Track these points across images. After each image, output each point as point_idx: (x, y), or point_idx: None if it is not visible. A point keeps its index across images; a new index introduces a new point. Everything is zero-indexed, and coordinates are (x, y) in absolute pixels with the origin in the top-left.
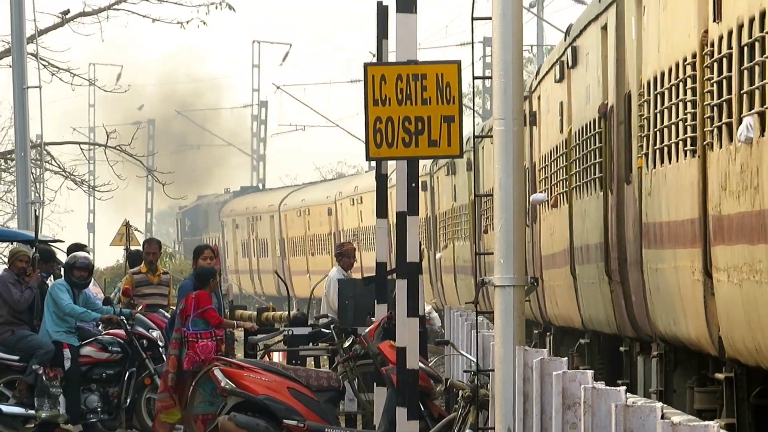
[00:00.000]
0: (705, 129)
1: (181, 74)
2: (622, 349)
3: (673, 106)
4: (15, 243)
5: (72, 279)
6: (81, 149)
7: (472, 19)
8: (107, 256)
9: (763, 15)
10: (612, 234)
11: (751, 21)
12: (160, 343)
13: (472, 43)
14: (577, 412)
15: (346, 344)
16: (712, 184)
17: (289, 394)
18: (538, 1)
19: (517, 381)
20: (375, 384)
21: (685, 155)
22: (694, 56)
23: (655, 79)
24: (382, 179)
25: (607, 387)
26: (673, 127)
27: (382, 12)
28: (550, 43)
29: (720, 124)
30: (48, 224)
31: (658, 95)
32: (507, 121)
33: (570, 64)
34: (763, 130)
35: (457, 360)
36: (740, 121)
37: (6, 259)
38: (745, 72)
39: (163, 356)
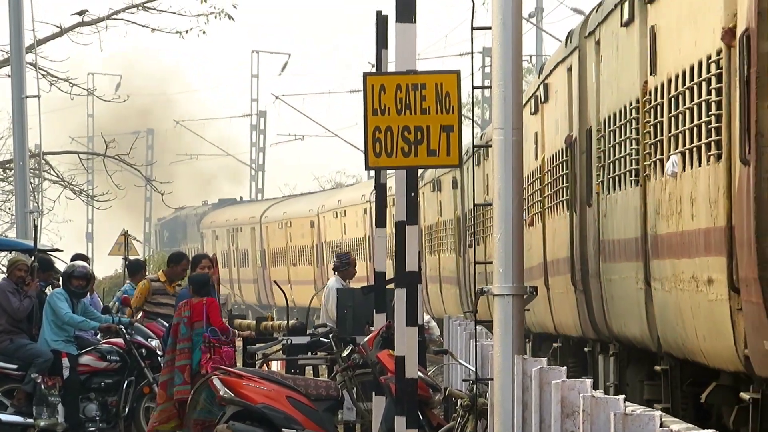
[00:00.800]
0: (645, 163)
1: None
2: (586, 349)
3: (622, 142)
4: (14, 252)
5: (70, 288)
6: (80, 159)
7: (472, 29)
8: (106, 265)
9: (684, 73)
10: (576, 249)
11: (677, 77)
12: (159, 352)
13: (472, 53)
14: (576, 420)
15: (345, 353)
16: (650, 209)
17: (287, 402)
18: (537, 11)
19: (516, 390)
20: (374, 393)
21: (631, 184)
22: (637, 102)
23: (609, 117)
24: (381, 189)
25: (606, 396)
26: (622, 159)
27: (381, 22)
28: (550, 54)
29: (655, 159)
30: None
31: (611, 132)
32: (506, 131)
33: (542, 99)
34: (684, 167)
35: (455, 369)
36: (668, 158)
37: (5, 268)
38: (672, 118)
39: (162, 365)
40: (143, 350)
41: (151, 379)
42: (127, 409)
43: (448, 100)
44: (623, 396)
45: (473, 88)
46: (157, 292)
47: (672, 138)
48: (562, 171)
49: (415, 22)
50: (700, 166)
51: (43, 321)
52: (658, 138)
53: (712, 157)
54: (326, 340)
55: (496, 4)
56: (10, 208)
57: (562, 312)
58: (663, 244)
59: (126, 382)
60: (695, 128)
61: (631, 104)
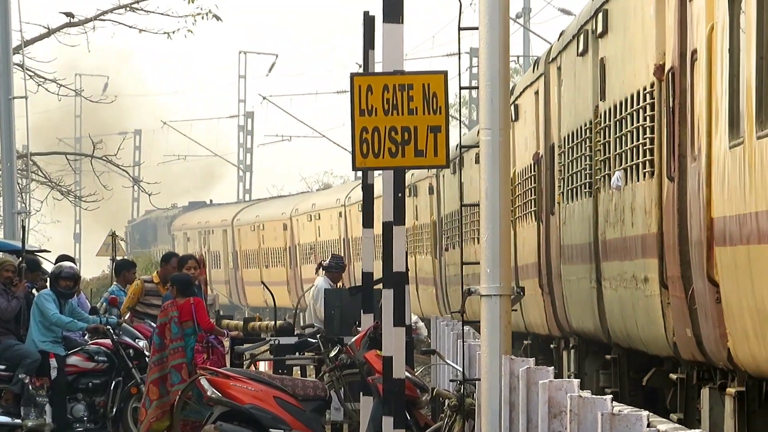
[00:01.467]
0: (596, 177)
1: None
2: (552, 346)
3: (578, 158)
4: (1, 253)
5: (58, 289)
6: (67, 159)
7: (459, 29)
8: (93, 266)
9: (626, 100)
10: (542, 255)
11: (621, 103)
12: (147, 353)
13: (459, 53)
14: (564, 420)
15: (333, 353)
16: (600, 218)
17: (275, 403)
18: (524, 11)
19: (503, 390)
20: (361, 393)
21: (585, 195)
22: (590, 123)
23: (568, 136)
24: (368, 189)
25: (594, 396)
26: (578, 174)
27: (368, 22)
28: (537, 54)
29: (604, 174)
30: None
31: (570, 149)
32: (493, 131)
33: (513, 117)
34: (626, 181)
35: (443, 369)
36: (614, 174)
37: None
38: (617, 139)
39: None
40: (131, 351)
41: (138, 380)
42: (114, 410)
43: (436, 101)
44: (611, 396)
45: (460, 88)
46: (150, 293)
47: (617, 156)
48: (531, 184)
49: (402, 22)
50: (638, 181)
51: (31, 322)
52: (606, 156)
53: (647, 173)
54: (314, 341)
55: (483, 5)
56: None
57: (531, 312)
58: (610, 248)
59: (113, 382)
60: (634, 149)
61: (585, 125)
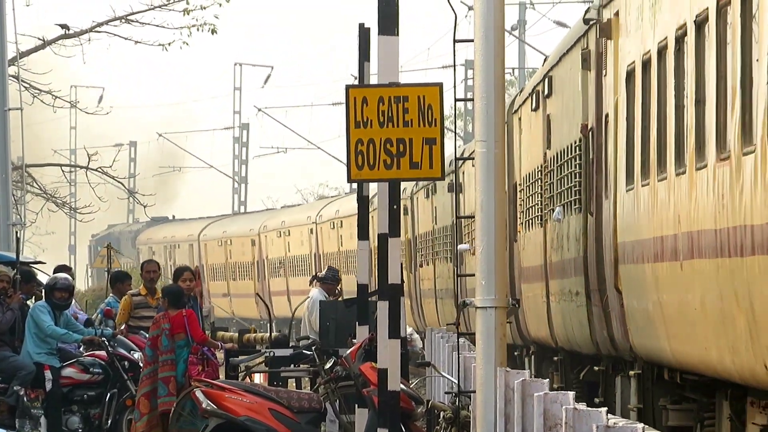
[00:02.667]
0: (545, 211)
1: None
2: (516, 353)
3: (532, 195)
4: None
5: (53, 300)
6: (62, 171)
7: (454, 41)
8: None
9: (563, 150)
10: (507, 274)
11: (560, 152)
12: (141, 365)
13: (454, 65)
14: None
15: (328, 366)
16: (548, 244)
17: (270, 415)
18: (519, 24)
19: (499, 402)
20: (356, 405)
21: (537, 225)
22: (540, 167)
23: (527, 176)
24: (363, 201)
25: (589, 408)
26: (533, 208)
27: (364, 34)
28: (532, 66)
29: (549, 209)
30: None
31: (527, 187)
32: (489, 143)
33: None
34: (564, 215)
35: (438, 381)
36: (555, 209)
37: None
38: (558, 180)
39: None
40: (126, 363)
41: (133, 392)
42: (109, 422)
43: (431, 113)
44: (605, 408)
45: (456, 100)
46: (139, 306)
47: (558, 194)
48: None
49: (397, 34)
50: (571, 215)
51: (26, 333)
52: (551, 194)
53: (576, 209)
54: (309, 353)
55: (479, 17)
56: None
57: None
58: (554, 269)
59: (108, 394)
60: (568, 189)
61: (537, 168)
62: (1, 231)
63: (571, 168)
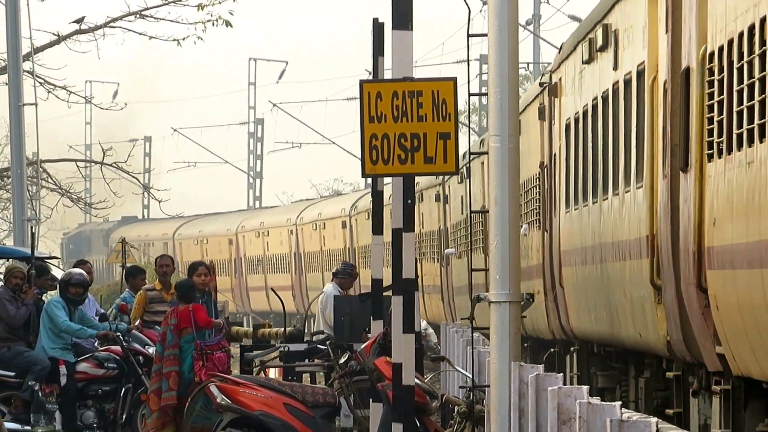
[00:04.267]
0: (528, 221)
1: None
2: None
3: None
4: (11, 260)
5: (67, 296)
6: (77, 166)
7: (468, 36)
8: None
9: (528, 180)
10: (469, 278)
11: (527, 181)
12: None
13: (468, 60)
14: (573, 427)
15: (342, 360)
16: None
17: (285, 410)
18: (534, 18)
19: (513, 397)
20: (371, 400)
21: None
22: (536, 177)
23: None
24: (378, 196)
25: (603, 402)
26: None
27: (378, 29)
28: (546, 61)
29: (521, 225)
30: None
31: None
32: (503, 138)
33: (466, 176)
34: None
35: (452, 376)
36: (523, 226)
37: (2, 276)
38: (523, 204)
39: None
40: (140, 358)
41: (148, 387)
42: (124, 417)
43: (445, 108)
44: (619, 402)
45: (470, 95)
46: (154, 301)
47: (524, 215)
48: (481, 226)
49: (411, 29)
50: (534, 231)
51: (41, 329)
52: (521, 213)
53: (537, 227)
54: (323, 347)
55: (493, 12)
56: (7, 216)
57: (481, 322)
58: (523, 273)
59: (123, 389)
60: (531, 211)
61: (532, 178)
62: (17, 226)
63: (533, 195)
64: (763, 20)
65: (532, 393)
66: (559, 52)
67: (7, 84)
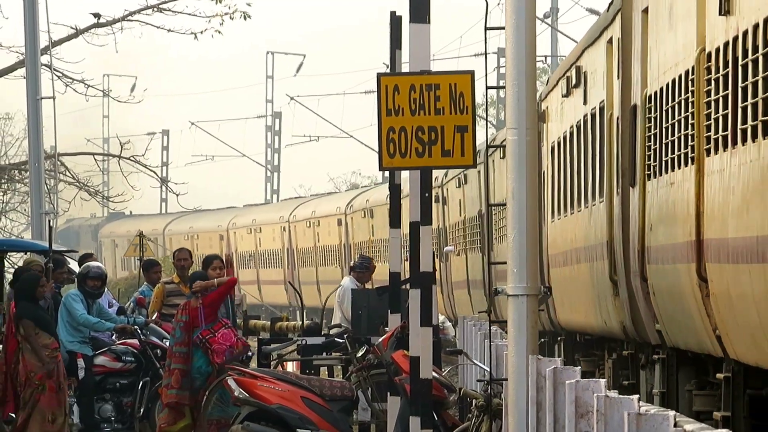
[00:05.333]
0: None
1: (195, 85)
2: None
3: (502, 219)
4: (29, 253)
5: (85, 289)
6: (95, 160)
7: (486, 29)
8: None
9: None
10: (481, 272)
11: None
12: None
13: (486, 53)
14: (590, 420)
15: (360, 354)
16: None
17: (302, 403)
18: (552, 11)
19: (531, 390)
20: (388, 393)
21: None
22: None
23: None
24: (395, 189)
25: (621, 396)
26: (503, 228)
27: (395, 22)
28: (564, 54)
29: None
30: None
31: (497, 213)
32: (520, 131)
33: (464, 182)
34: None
35: (470, 369)
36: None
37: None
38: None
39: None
40: (158, 351)
41: None
42: (142, 410)
43: (462, 101)
44: (637, 396)
45: (487, 88)
46: (172, 294)
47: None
48: (477, 228)
49: (429, 22)
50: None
51: (59, 322)
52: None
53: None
54: (341, 341)
55: (510, 5)
56: (25, 210)
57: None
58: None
59: (141, 382)
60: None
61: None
62: (34, 220)
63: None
64: (680, 77)
65: (549, 386)
66: (547, 84)
67: (25, 77)
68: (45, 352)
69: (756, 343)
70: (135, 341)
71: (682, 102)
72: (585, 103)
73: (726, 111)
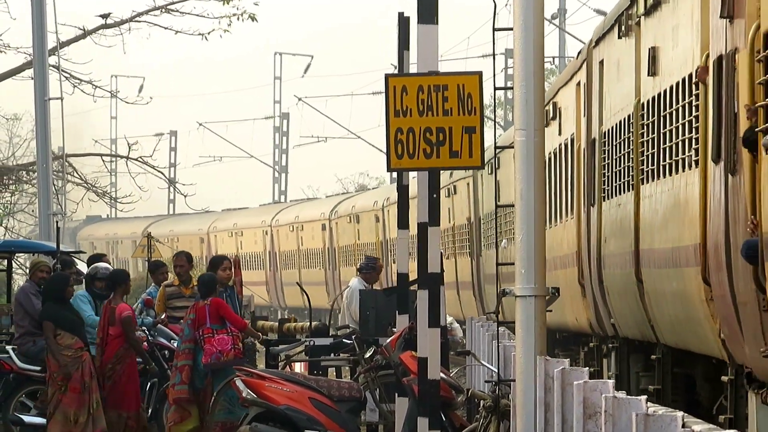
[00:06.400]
0: (499, 240)
1: (203, 86)
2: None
3: (490, 228)
4: (37, 254)
5: (94, 290)
6: (103, 161)
7: (494, 30)
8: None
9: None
10: (472, 276)
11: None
12: None
13: (494, 54)
14: (598, 421)
15: (368, 354)
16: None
17: (310, 404)
18: (560, 12)
19: (539, 391)
20: (396, 394)
21: (493, 248)
22: (491, 213)
23: (487, 215)
24: (403, 190)
25: (628, 396)
26: (491, 236)
27: (403, 23)
28: (571, 55)
29: (502, 239)
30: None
31: (485, 223)
32: (528, 132)
33: (453, 192)
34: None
35: (478, 370)
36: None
37: (27, 271)
38: (505, 223)
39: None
40: (166, 352)
41: None
42: (150, 411)
43: (470, 102)
44: (645, 397)
45: (495, 89)
46: (173, 296)
47: (505, 232)
48: (466, 235)
49: (437, 23)
50: (512, 246)
51: None
52: (501, 230)
53: (514, 243)
54: (349, 342)
55: (518, 6)
56: (33, 211)
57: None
58: (508, 278)
59: (149, 383)
60: (509, 230)
61: (490, 213)
62: (42, 221)
63: (512, 217)
64: (623, 120)
65: (557, 387)
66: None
67: (33, 78)
68: (68, 353)
69: (675, 330)
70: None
71: (625, 140)
72: (560, 134)
73: (653, 150)
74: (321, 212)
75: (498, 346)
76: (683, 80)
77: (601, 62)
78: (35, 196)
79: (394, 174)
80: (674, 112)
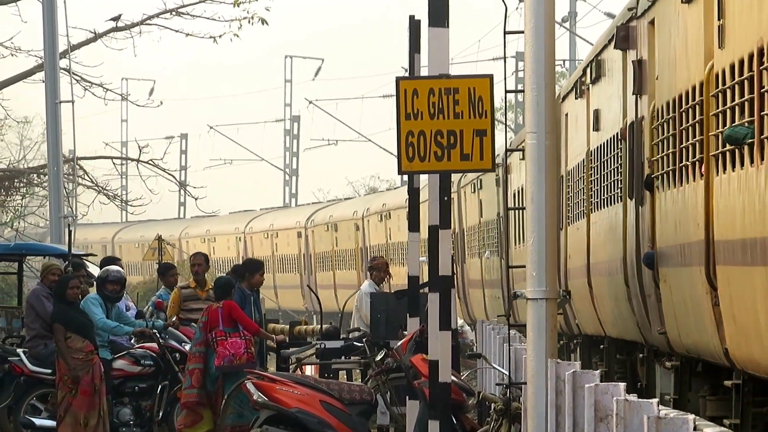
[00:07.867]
0: (481, 251)
1: (213, 89)
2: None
3: (474, 240)
4: (48, 257)
5: (105, 293)
6: (113, 164)
7: (505, 33)
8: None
9: (490, 221)
10: (459, 281)
11: (489, 221)
12: None
13: (505, 57)
14: (610, 424)
15: (379, 357)
16: (483, 270)
17: (321, 407)
18: (570, 15)
19: (550, 394)
20: (407, 397)
21: (477, 257)
22: (476, 227)
23: (472, 226)
24: (414, 193)
25: (640, 399)
26: (474, 247)
27: (414, 26)
28: (582, 58)
29: (484, 250)
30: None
31: (473, 234)
32: (539, 135)
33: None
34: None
35: (489, 373)
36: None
37: (39, 273)
38: (488, 236)
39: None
40: (177, 354)
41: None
42: (161, 414)
43: (481, 105)
44: (656, 399)
45: (506, 92)
46: (188, 299)
47: (488, 244)
48: (478, 239)
49: (448, 26)
50: (495, 258)
51: None
52: (486, 242)
53: (497, 255)
54: (360, 345)
55: (529, 9)
56: (44, 214)
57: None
58: (490, 284)
59: (160, 386)
60: (491, 243)
61: (475, 226)
62: (53, 224)
63: (494, 232)
64: (611, 138)
65: (568, 390)
66: (511, 144)
67: (44, 81)
68: (78, 356)
69: (616, 323)
70: (154, 345)
71: (581, 179)
72: None
73: (597, 187)
74: (354, 211)
75: (509, 348)
76: (614, 137)
77: (566, 115)
78: (46, 199)
79: (405, 177)
80: (608, 160)
